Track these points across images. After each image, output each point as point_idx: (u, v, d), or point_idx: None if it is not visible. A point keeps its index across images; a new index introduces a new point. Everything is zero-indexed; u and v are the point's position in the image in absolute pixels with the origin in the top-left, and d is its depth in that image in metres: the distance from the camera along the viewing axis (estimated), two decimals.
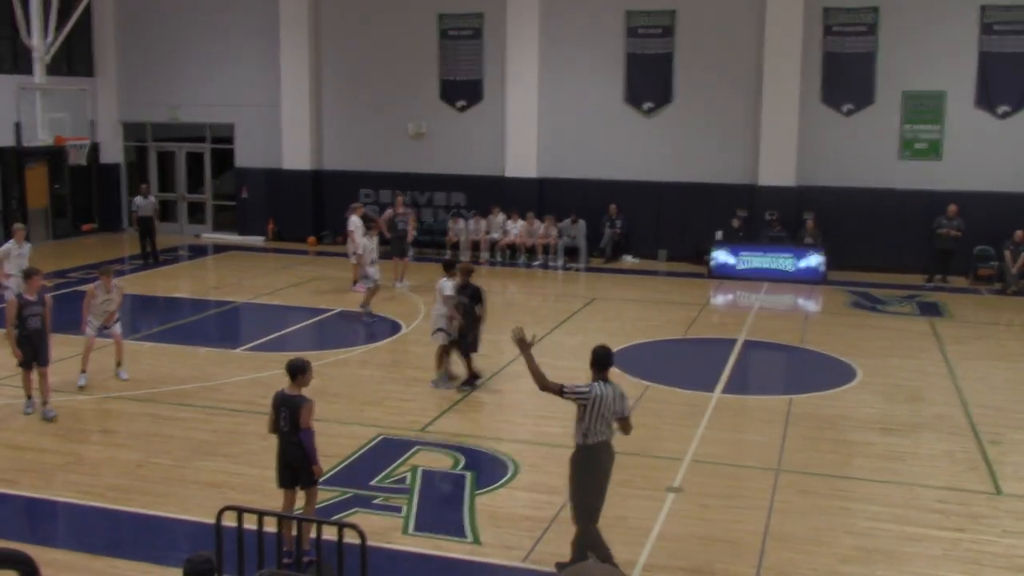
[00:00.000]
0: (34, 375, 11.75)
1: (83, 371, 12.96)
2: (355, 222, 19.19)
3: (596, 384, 7.65)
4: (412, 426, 11.50)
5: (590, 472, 7.67)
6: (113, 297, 13.11)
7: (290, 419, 7.86)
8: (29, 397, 11.87)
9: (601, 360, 7.75)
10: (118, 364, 13.30)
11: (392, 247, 20.32)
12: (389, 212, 20.87)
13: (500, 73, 24.00)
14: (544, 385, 7.67)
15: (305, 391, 8.00)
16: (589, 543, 7.69)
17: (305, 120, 25.48)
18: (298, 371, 7.97)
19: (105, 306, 13.01)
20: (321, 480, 8.31)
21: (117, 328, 13.26)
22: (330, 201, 25.58)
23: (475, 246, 23.47)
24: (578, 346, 15.10)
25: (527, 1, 23.43)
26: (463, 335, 12.95)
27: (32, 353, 11.62)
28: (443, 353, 13.12)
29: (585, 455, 7.67)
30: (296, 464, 7.96)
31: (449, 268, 13.30)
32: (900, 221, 21.78)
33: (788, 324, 17.34)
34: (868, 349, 15.38)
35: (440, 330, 13.00)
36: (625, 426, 7.85)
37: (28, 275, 12.06)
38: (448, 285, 12.98)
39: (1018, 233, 20.05)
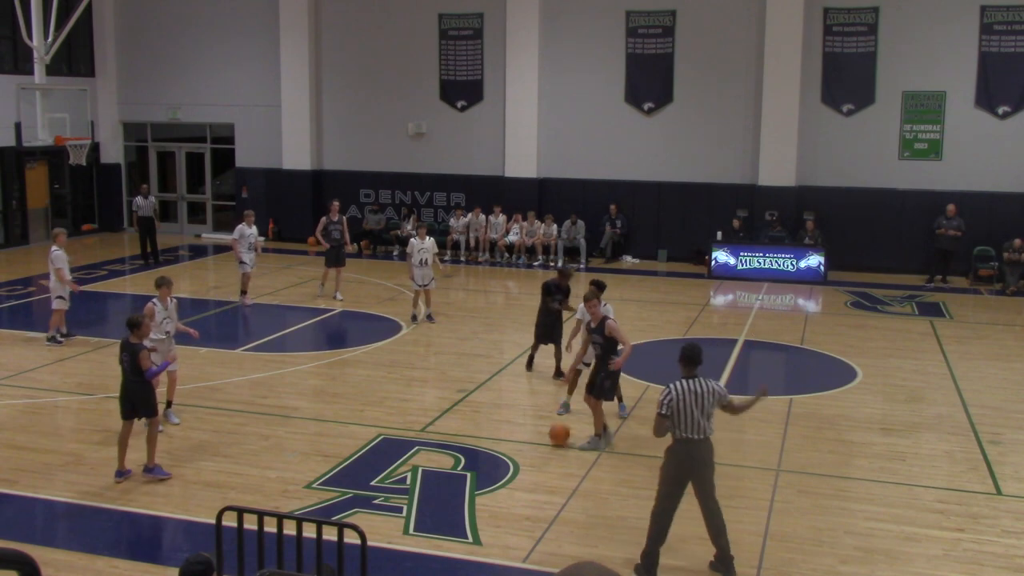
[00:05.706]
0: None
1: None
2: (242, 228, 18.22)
3: (675, 384, 7.80)
4: (412, 426, 11.49)
5: (672, 468, 7.88)
6: (172, 314, 11.54)
7: (130, 361, 9.62)
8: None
9: (687, 357, 7.93)
10: (168, 405, 11.52)
11: (327, 257, 18.67)
12: (324, 220, 18.92)
13: (500, 73, 24.00)
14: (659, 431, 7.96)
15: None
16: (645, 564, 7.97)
17: (305, 120, 25.48)
18: (135, 326, 9.70)
19: (164, 326, 11.40)
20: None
21: (175, 366, 11.26)
22: (330, 201, 25.52)
23: (476, 246, 23.44)
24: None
25: (527, 1, 23.42)
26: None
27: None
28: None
29: (671, 450, 7.92)
30: (135, 399, 9.72)
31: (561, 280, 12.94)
32: (900, 221, 21.79)
33: (788, 324, 17.33)
34: (868, 349, 15.38)
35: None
36: (731, 410, 8.04)
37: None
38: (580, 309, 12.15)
39: (1016, 241, 20.05)
